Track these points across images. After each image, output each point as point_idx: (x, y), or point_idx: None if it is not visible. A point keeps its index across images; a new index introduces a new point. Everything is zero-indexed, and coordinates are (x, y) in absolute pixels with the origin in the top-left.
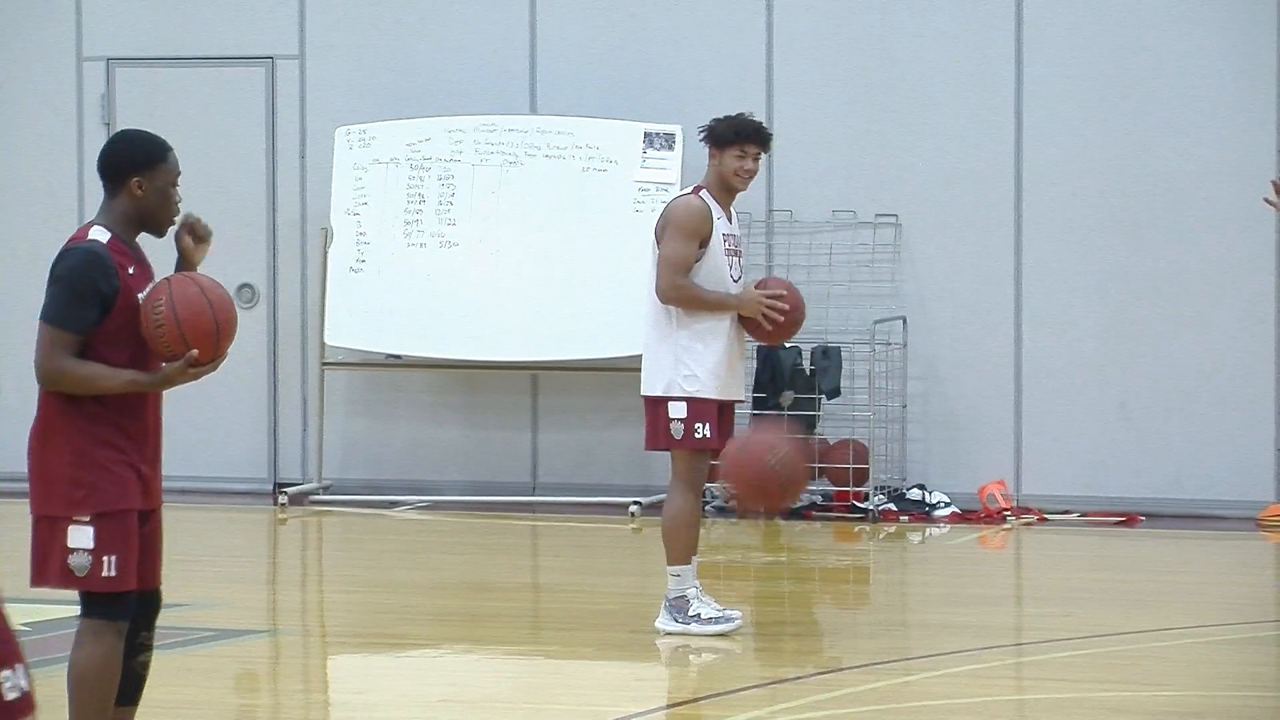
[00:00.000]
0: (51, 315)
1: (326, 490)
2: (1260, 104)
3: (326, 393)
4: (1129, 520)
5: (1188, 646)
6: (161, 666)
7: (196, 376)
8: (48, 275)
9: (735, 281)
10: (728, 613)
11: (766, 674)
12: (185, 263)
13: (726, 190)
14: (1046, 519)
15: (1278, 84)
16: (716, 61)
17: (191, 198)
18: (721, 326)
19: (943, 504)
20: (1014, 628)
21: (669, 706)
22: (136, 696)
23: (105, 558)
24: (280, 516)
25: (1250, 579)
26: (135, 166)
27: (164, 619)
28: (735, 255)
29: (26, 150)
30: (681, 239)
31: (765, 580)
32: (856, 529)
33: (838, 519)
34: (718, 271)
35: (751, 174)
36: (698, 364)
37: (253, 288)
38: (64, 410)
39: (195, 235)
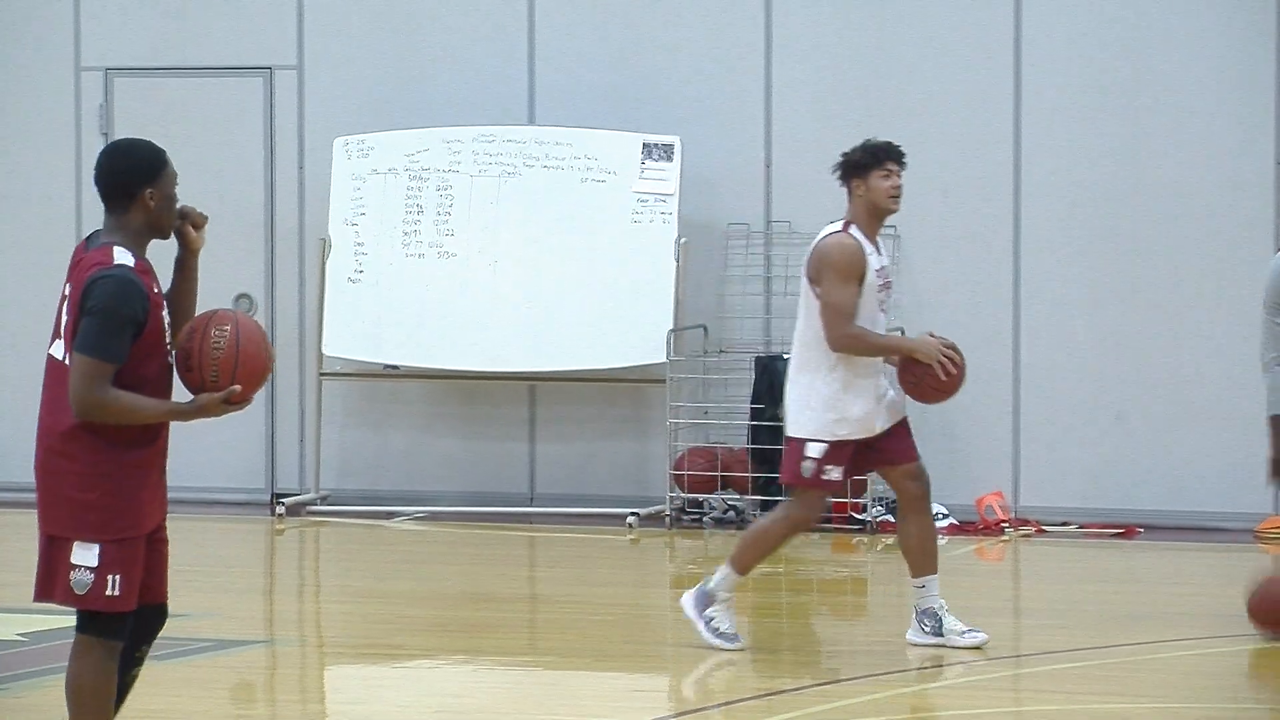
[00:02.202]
0: (92, 346)
1: (324, 501)
2: (1258, 116)
3: (324, 403)
4: (1127, 532)
5: (1186, 658)
6: (159, 676)
7: (224, 412)
8: (80, 303)
9: (884, 312)
10: (734, 640)
11: (764, 685)
12: (189, 252)
13: (876, 217)
14: (1044, 531)
15: (1276, 97)
16: (715, 72)
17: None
18: (875, 369)
19: (940, 515)
20: (1012, 639)
21: (666, 718)
22: (117, 708)
23: (110, 577)
24: (278, 527)
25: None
26: (146, 179)
27: (169, 629)
28: (886, 289)
29: (25, 160)
30: (840, 283)
31: (763, 592)
32: (854, 540)
33: (835, 531)
34: (869, 309)
35: (900, 190)
36: (852, 408)
37: (250, 298)
38: (76, 430)
39: (194, 223)
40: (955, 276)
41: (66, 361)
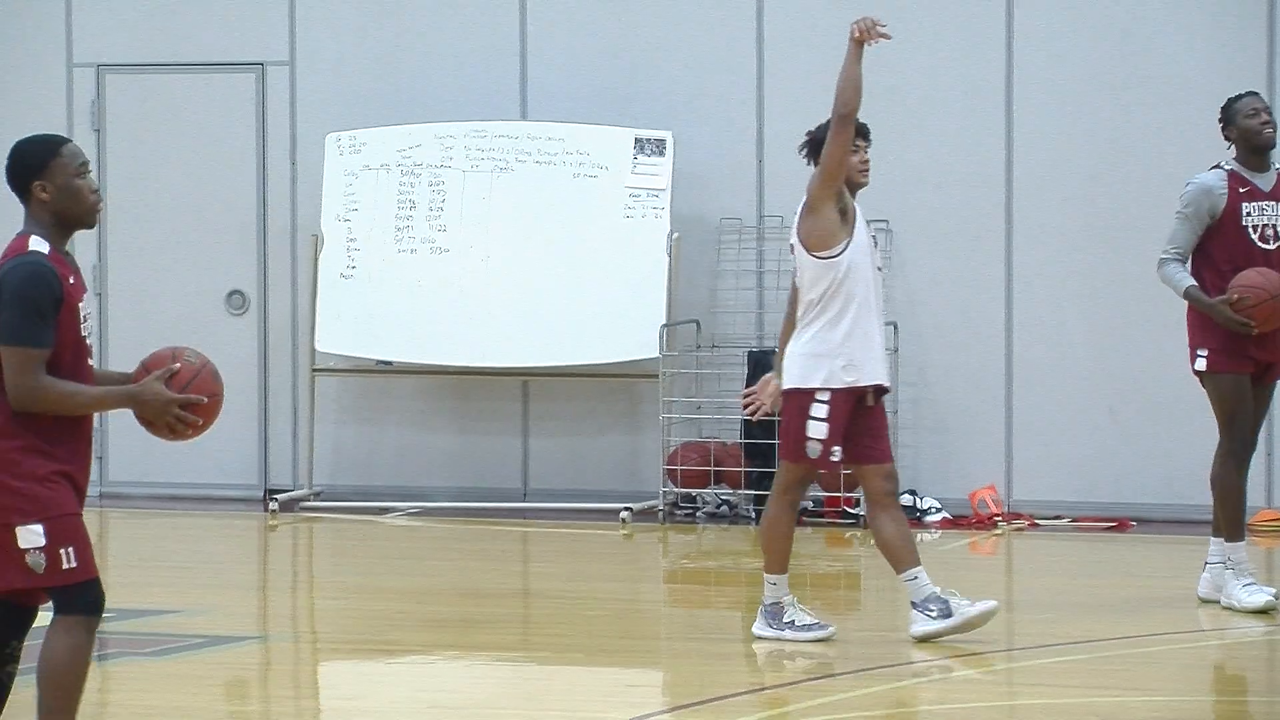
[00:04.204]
0: (18, 335)
1: (317, 497)
2: None
3: (317, 399)
4: (1120, 525)
5: (1179, 652)
6: (152, 672)
7: (164, 409)
8: None
9: (879, 269)
10: (823, 627)
11: (758, 680)
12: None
13: (850, 189)
14: (1037, 524)
15: (1266, 89)
16: (707, 67)
17: (182, 205)
18: (873, 318)
19: (934, 509)
20: (1005, 633)
21: (661, 713)
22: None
23: (62, 550)
24: (271, 523)
25: None
26: (31, 171)
27: (156, 625)
28: (874, 240)
29: None
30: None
31: (756, 586)
32: (848, 535)
33: (829, 525)
34: (865, 268)
35: (868, 165)
36: (858, 353)
37: (243, 294)
38: (6, 423)
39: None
40: (947, 271)
41: None
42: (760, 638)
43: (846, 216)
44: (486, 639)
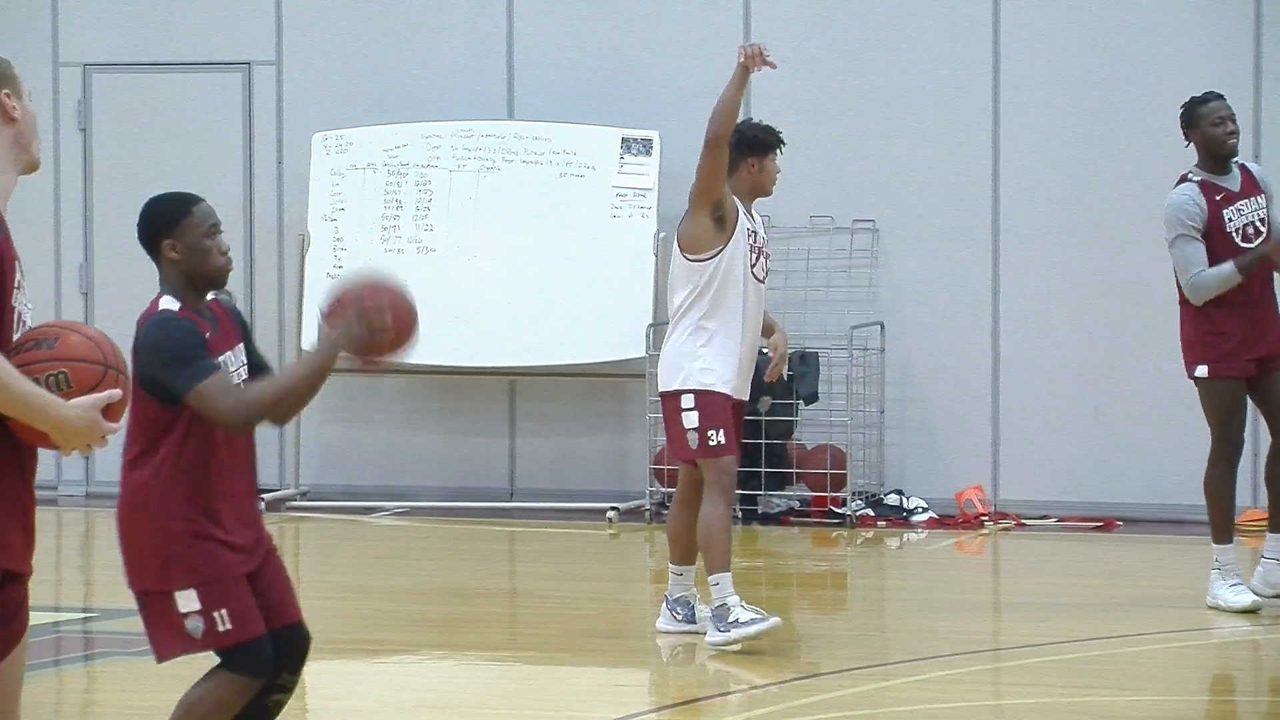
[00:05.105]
0: (186, 377)
1: (304, 496)
2: (1236, 110)
3: None
4: (1106, 525)
5: (1164, 651)
6: (138, 672)
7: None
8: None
9: (759, 280)
10: (763, 619)
11: (744, 679)
12: None
13: (753, 195)
14: (1024, 524)
15: (1253, 92)
16: (694, 67)
17: None
18: (737, 330)
19: (920, 509)
20: (991, 633)
21: (647, 712)
22: None
23: (216, 614)
24: None
25: None
26: (161, 230)
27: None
28: (758, 255)
29: None
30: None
31: (742, 585)
32: (834, 534)
33: (815, 524)
34: (738, 270)
35: (774, 177)
36: (716, 360)
37: (230, 293)
38: (146, 484)
39: None
40: (934, 270)
41: None
42: (712, 645)
43: (724, 225)
44: (473, 638)
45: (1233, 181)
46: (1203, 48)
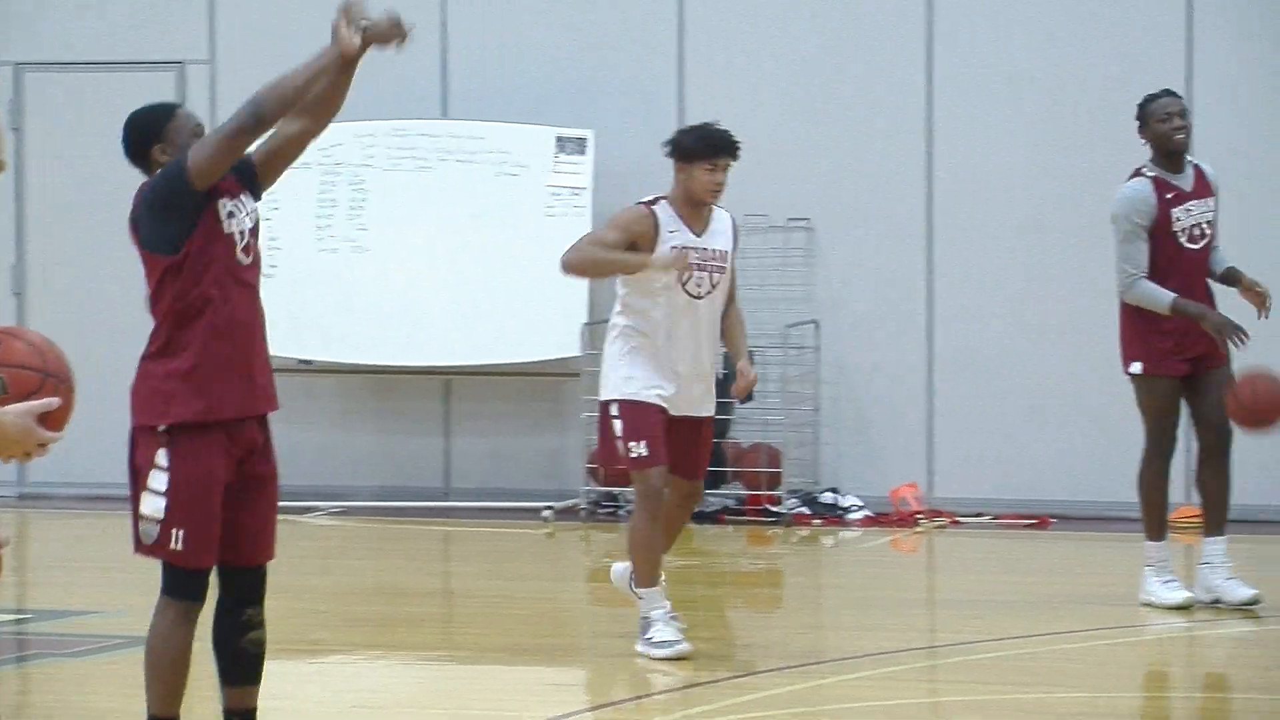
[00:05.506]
0: (178, 162)
1: None
2: None
3: None
4: (1040, 523)
5: (1098, 648)
6: (73, 673)
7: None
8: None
9: (696, 297)
10: (680, 644)
11: (680, 678)
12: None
13: (690, 204)
14: (959, 522)
15: (1184, 88)
16: (628, 66)
17: (102, 204)
18: (669, 343)
19: (855, 507)
20: (927, 630)
21: (582, 711)
22: (253, 675)
23: (174, 531)
24: None
25: None
26: (150, 137)
27: (78, 626)
28: (704, 271)
29: None
30: (607, 225)
31: (678, 584)
32: (769, 533)
33: (750, 523)
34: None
35: (721, 187)
36: (639, 370)
37: None
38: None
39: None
40: (869, 268)
41: None
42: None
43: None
44: (409, 638)
45: (1185, 181)
46: (1136, 44)
